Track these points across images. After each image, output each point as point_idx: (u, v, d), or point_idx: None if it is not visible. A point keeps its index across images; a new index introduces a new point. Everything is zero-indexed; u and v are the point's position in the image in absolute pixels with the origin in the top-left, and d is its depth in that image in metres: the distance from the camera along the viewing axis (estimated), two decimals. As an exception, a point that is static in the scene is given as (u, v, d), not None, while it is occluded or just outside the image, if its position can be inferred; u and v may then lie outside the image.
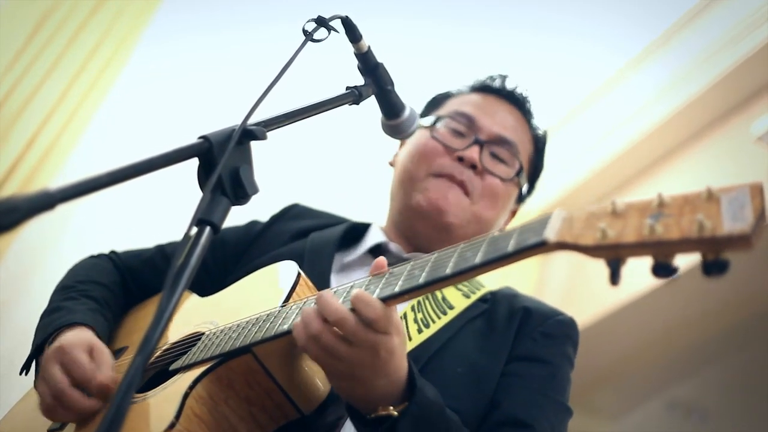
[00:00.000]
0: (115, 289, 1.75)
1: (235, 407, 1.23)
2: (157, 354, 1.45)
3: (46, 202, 0.85)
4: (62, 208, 0.88)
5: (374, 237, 1.76)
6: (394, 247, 1.73)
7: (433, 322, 1.52)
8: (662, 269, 0.87)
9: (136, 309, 1.75)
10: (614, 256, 0.90)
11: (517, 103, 1.89)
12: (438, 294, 1.59)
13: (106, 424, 0.79)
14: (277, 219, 1.90)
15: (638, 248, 0.88)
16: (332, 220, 1.87)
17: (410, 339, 1.47)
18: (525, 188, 1.89)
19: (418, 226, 1.73)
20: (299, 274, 1.38)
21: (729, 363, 4.76)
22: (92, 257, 1.87)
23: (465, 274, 1.04)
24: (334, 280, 1.64)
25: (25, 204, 0.82)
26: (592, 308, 4.13)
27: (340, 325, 1.11)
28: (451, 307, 1.57)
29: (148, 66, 3.91)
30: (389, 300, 1.12)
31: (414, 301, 1.54)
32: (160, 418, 1.18)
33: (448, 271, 1.05)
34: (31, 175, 3.38)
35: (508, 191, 1.80)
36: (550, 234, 0.95)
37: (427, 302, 1.56)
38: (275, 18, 3.79)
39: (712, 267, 0.85)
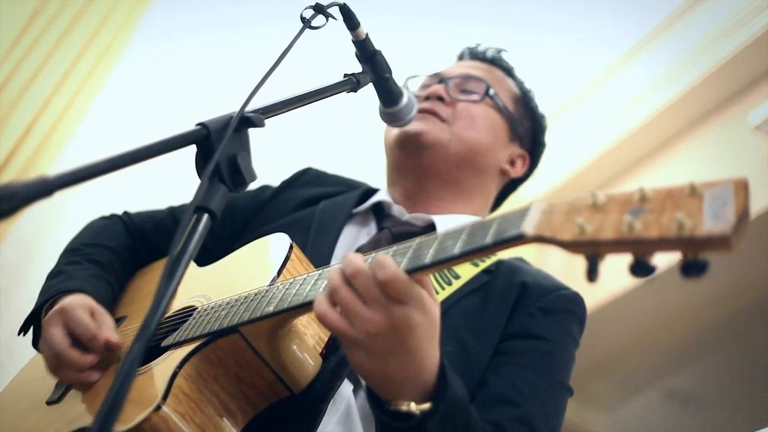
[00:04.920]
0: (123, 252, 1.73)
1: (226, 385, 1.23)
2: None
3: (45, 188, 0.85)
4: (60, 196, 0.88)
5: (379, 196, 1.74)
6: (396, 209, 1.70)
7: (437, 293, 1.44)
8: (640, 268, 0.83)
9: (140, 274, 1.73)
10: (592, 252, 0.85)
11: (491, 61, 1.92)
12: None
13: (105, 409, 0.79)
14: (287, 185, 1.86)
15: (616, 246, 0.83)
16: (345, 187, 1.82)
17: None
18: (524, 127, 1.85)
19: (402, 157, 1.73)
20: (291, 248, 1.36)
21: (726, 353, 4.76)
22: (104, 218, 1.85)
23: (444, 264, 1.01)
24: (339, 252, 1.59)
25: (24, 190, 0.82)
26: (589, 297, 4.12)
27: (354, 277, 1.03)
28: (456, 277, 1.50)
29: (146, 54, 3.89)
30: None
31: None
32: (147, 399, 1.16)
33: (427, 260, 1.02)
34: (29, 163, 3.38)
35: (486, 113, 1.77)
36: (528, 227, 0.92)
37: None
38: (270, 18, 3.76)
39: (690, 268, 0.79)
